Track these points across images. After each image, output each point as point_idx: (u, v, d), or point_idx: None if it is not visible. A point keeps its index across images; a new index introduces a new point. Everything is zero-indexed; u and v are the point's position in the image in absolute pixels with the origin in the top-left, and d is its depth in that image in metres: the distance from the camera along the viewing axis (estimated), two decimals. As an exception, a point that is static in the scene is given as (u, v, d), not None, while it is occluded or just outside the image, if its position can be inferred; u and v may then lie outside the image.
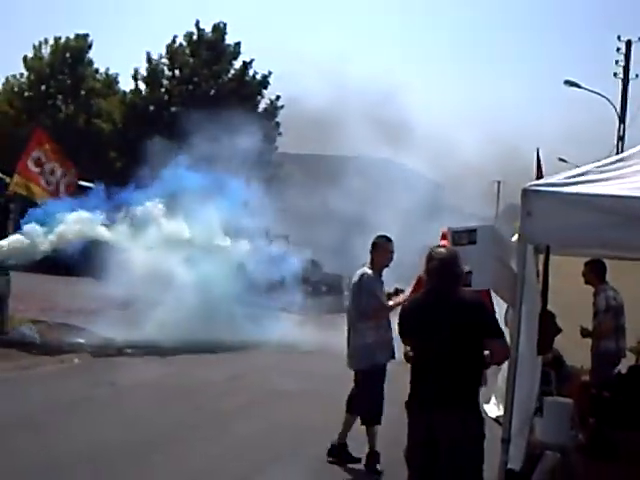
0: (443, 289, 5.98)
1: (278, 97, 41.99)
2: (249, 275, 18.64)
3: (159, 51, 43.42)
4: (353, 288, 9.10)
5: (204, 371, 13.82)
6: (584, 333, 10.03)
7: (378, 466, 8.72)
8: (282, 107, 42.02)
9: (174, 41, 43.21)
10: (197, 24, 43.09)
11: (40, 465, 8.02)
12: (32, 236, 15.73)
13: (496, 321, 6.01)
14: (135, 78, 43.38)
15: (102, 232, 17.04)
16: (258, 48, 59.58)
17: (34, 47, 45.54)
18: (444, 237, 8.42)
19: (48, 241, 15.96)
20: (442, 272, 5.98)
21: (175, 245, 17.73)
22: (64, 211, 16.39)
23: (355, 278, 9.04)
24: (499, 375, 10.76)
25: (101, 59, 71.61)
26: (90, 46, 46.38)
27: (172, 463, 8.51)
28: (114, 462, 8.33)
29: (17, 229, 16.01)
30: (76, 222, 16.43)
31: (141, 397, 11.52)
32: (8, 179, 16.78)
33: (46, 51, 45.63)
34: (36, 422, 9.52)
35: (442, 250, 6.12)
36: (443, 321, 5.85)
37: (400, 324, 6.36)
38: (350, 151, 35.36)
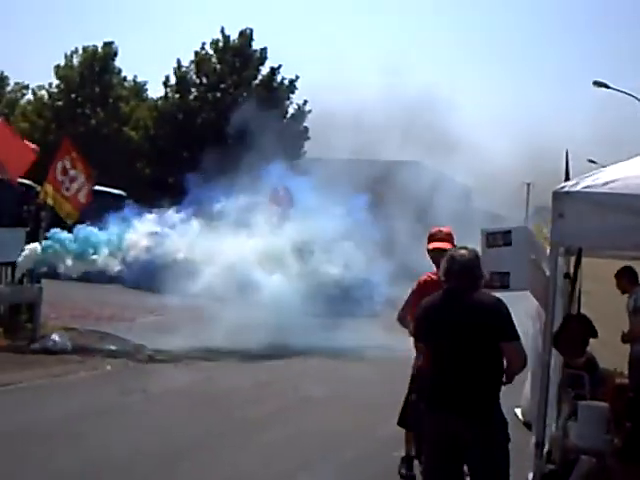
0: (459, 290, 5.95)
1: (305, 102, 42.03)
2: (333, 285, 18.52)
3: (189, 58, 43.66)
4: None
5: (234, 378, 13.78)
6: (625, 339, 9.91)
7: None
8: (310, 112, 42.00)
9: (203, 48, 43.38)
10: (222, 31, 43.15)
11: (72, 472, 8.08)
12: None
13: (512, 324, 5.94)
14: (165, 85, 43.61)
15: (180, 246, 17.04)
16: (287, 53, 59.78)
17: (65, 56, 46.06)
18: (431, 239, 8.34)
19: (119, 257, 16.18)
20: (461, 273, 5.95)
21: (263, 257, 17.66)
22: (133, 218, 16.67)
23: None
24: (526, 381, 10.61)
25: (130, 67, 72.40)
26: (116, 54, 46.74)
27: (199, 471, 8.52)
28: (144, 470, 8.39)
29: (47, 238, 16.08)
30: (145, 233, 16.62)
31: (171, 404, 11.53)
32: (39, 187, 16.84)
33: (76, 60, 46.11)
34: (68, 430, 9.57)
35: (463, 251, 6.10)
36: (458, 322, 5.83)
37: (415, 326, 6.37)
38: (383, 156, 35.22)
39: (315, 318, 17.89)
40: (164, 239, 16.86)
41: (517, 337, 5.86)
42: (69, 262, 15.64)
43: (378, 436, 9.90)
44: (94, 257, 15.95)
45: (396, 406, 8.73)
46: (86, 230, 16.19)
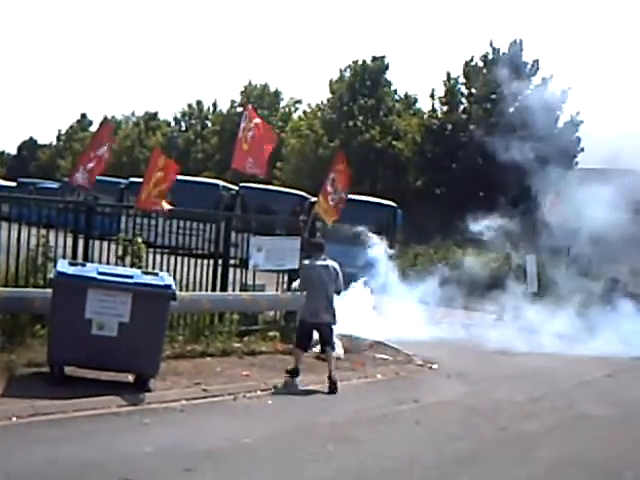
0: None
1: (578, 112, 41.17)
2: None
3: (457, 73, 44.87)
4: None
5: (506, 391, 13.50)
6: None
7: None
8: (582, 122, 41.03)
9: (472, 60, 44.33)
10: (491, 44, 44.21)
11: (348, 475, 8.21)
12: None
13: None
14: (432, 97, 44.62)
15: None
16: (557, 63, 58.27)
17: (340, 71, 48.22)
18: None
19: None
20: None
21: None
22: None
23: None
24: None
25: (399, 80, 73.93)
26: (387, 68, 48.29)
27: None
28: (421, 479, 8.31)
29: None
30: None
31: (443, 415, 11.48)
32: (313, 199, 17.25)
33: (347, 75, 48.06)
34: (343, 435, 9.70)
35: None
36: None
37: None
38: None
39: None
40: None
41: None
42: None
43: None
44: None
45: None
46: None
